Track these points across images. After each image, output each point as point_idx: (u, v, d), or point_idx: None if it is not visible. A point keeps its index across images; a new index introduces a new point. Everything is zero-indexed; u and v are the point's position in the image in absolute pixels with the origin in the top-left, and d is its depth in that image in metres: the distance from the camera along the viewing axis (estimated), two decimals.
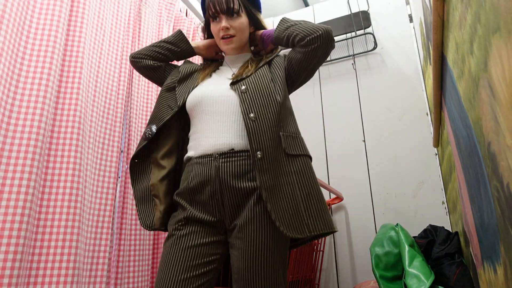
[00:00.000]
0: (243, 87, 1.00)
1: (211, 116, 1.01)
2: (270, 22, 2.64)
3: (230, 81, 1.05)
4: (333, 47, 1.05)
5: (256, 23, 1.16)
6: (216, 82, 1.09)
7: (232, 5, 1.05)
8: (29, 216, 1.03)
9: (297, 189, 0.94)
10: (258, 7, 1.18)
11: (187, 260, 0.92)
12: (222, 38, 1.09)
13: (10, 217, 0.99)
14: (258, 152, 0.91)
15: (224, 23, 1.06)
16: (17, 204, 1.01)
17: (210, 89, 1.05)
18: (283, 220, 0.88)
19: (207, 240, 0.95)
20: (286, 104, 1.05)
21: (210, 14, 1.09)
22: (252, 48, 1.23)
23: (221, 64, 1.21)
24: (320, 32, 1.00)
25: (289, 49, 1.11)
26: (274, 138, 0.95)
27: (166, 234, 1.54)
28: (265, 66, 1.08)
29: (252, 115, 0.95)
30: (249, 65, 1.10)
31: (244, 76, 1.04)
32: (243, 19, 1.09)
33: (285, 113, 1.02)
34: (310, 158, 1.04)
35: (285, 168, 0.95)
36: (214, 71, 1.17)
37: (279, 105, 0.99)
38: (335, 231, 0.96)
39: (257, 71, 1.05)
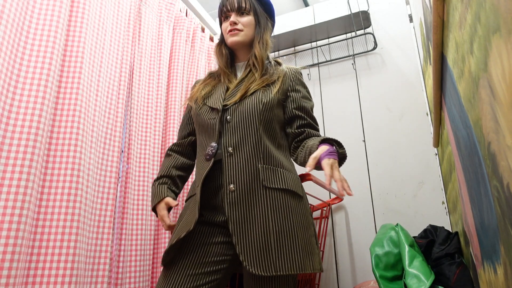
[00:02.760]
0: (228, 117, 1.01)
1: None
2: None
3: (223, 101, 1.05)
4: None
5: (261, 30, 1.15)
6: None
7: (243, 4, 1.12)
8: (27, 217, 1.03)
9: (270, 224, 0.90)
10: (270, 15, 1.20)
11: (199, 256, 0.93)
12: (229, 32, 1.12)
13: (8, 217, 0.99)
14: (231, 186, 0.92)
15: (232, 18, 1.12)
16: (15, 204, 1.00)
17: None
18: (248, 256, 0.85)
19: (220, 239, 0.96)
20: (273, 131, 1.03)
21: (222, 15, 1.16)
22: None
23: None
24: None
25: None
26: (251, 171, 0.94)
27: (168, 232, 1.54)
28: (262, 89, 1.06)
29: (230, 149, 0.96)
30: (247, 79, 1.09)
31: (232, 101, 1.03)
32: (251, 18, 1.13)
33: (267, 144, 0.99)
34: (297, 194, 0.98)
35: (262, 201, 0.92)
36: (217, 84, 1.16)
37: (259, 136, 0.98)
38: (297, 273, 0.87)
39: (251, 95, 1.03)
